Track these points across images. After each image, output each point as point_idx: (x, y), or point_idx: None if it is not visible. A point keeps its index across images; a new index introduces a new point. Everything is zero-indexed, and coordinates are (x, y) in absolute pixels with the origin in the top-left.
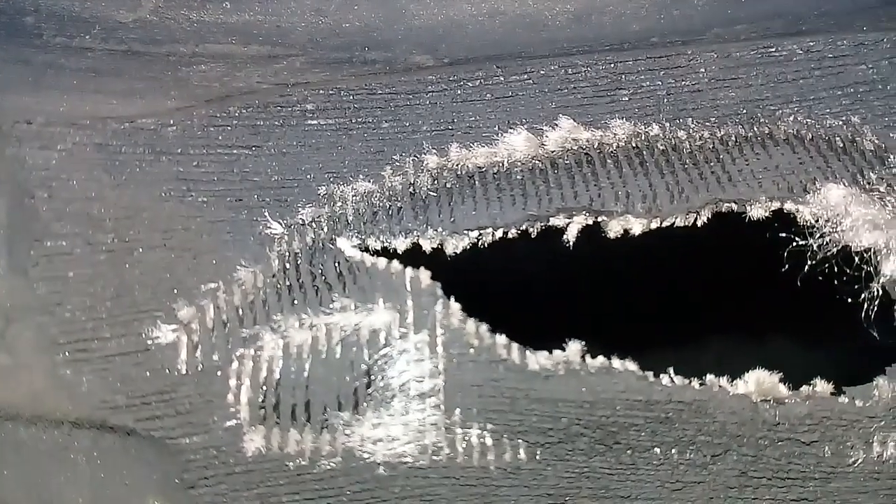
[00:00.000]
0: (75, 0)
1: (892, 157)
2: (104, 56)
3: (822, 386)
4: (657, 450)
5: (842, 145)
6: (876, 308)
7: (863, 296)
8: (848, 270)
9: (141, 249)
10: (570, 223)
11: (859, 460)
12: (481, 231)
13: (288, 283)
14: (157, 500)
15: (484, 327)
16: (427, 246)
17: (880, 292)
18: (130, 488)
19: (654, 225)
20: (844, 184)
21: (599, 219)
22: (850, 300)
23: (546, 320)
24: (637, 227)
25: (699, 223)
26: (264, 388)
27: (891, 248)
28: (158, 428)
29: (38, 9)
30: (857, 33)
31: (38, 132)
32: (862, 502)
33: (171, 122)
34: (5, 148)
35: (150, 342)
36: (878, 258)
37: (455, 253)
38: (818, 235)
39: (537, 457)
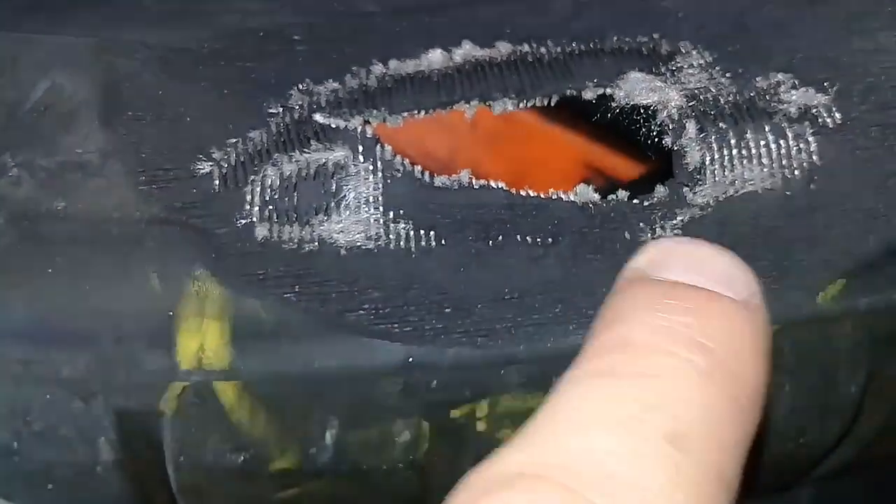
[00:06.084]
0: None
1: (678, 57)
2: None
3: (622, 194)
4: (518, 237)
5: (646, 52)
6: (656, 142)
7: (642, 131)
8: (636, 118)
9: (189, 119)
10: (468, 107)
11: (647, 240)
12: (410, 112)
13: (283, 140)
14: (200, 268)
15: (407, 161)
16: (374, 122)
17: (656, 131)
18: (183, 260)
19: (521, 105)
20: (643, 72)
21: (487, 103)
22: (639, 139)
23: None
24: (511, 106)
25: (552, 104)
26: (268, 199)
27: (662, 104)
28: (202, 222)
29: None
30: None
31: (122, 46)
32: None
33: (205, 46)
34: (102, 55)
35: (194, 173)
36: (655, 111)
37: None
38: (620, 99)
39: (443, 242)
